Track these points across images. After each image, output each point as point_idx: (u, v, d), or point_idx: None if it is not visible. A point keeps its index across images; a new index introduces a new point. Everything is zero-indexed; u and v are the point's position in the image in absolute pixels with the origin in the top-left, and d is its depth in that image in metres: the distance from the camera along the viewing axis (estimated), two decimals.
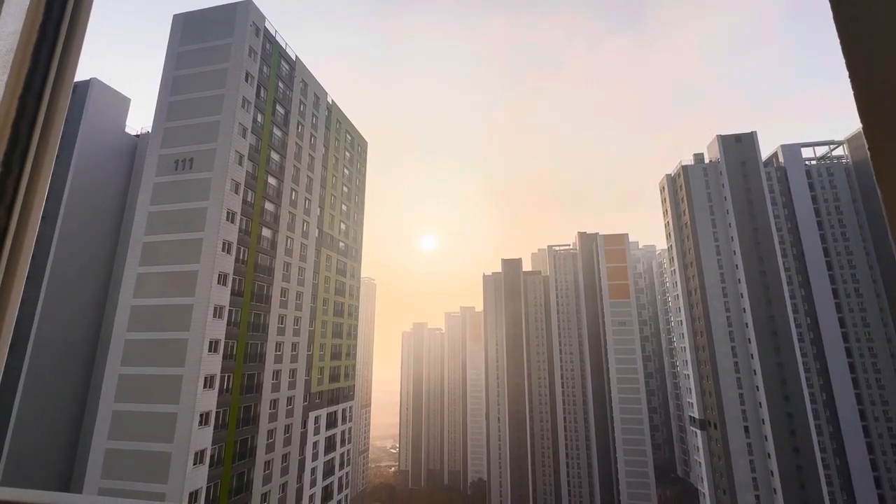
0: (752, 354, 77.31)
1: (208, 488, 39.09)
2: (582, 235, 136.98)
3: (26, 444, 47.52)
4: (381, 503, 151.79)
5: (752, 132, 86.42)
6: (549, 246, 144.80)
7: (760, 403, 74.93)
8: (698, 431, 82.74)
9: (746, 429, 75.58)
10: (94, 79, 58.14)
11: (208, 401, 39.50)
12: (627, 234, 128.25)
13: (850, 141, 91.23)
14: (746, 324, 78.70)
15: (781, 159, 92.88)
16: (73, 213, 53.91)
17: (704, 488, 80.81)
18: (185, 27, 48.97)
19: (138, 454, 37.49)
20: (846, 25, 0.98)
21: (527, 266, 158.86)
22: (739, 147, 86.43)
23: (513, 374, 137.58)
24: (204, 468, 38.55)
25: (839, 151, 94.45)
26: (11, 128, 1.04)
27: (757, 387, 75.83)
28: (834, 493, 75.55)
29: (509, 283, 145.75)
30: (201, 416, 38.69)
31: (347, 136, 73.85)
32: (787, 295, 78.27)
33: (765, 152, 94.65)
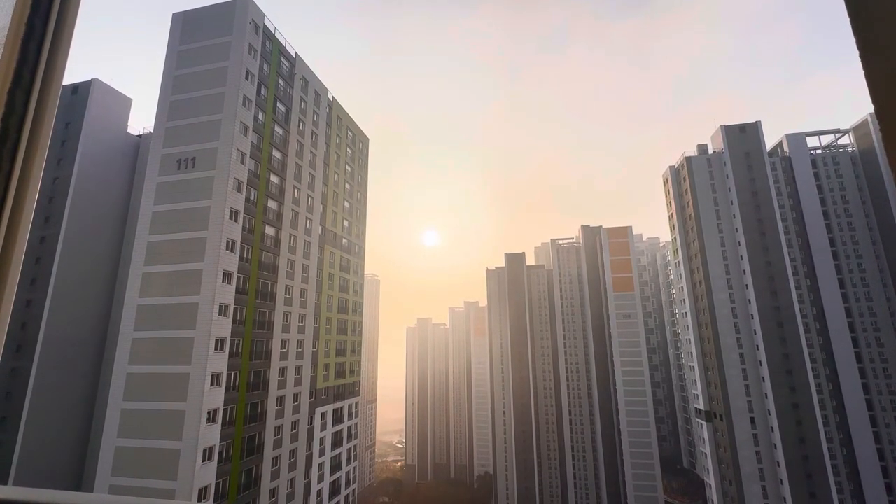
0: (757, 345, 77.05)
1: (217, 484, 39.52)
2: (585, 228, 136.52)
3: (38, 443, 48.15)
4: (389, 497, 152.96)
5: (756, 122, 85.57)
6: (552, 239, 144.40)
7: (766, 394, 74.77)
8: (704, 423, 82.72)
9: (752, 420, 75.50)
10: (96, 79, 58.29)
11: (215, 398, 39.82)
12: (631, 227, 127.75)
13: (856, 129, 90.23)
14: (752, 315, 78.39)
15: (786, 149, 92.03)
16: (78, 214, 54.22)
17: (710, 479, 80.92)
18: (185, 26, 48.87)
19: (148, 451, 37.90)
20: (858, 8, 0.96)
21: (530, 260, 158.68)
22: (743, 137, 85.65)
23: (517, 367, 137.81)
24: (212, 465, 38.94)
25: (844, 140, 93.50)
26: (1, 123, 1.04)
27: (762, 378, 75.65)
28: (841, 482, 75.50)
29: (513, 278, 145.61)
30: (209, 413, 39.03)
31: (349, 132, 73.71)
32: (792, 286, 77.83)
33: (769, 142, 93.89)
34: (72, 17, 1.19)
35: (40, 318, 49.83)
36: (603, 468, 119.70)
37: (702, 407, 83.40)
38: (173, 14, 49.92)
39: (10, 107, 1.05)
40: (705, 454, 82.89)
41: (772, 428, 73.53)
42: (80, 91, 57.51)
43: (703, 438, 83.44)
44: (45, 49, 1.12)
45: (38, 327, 49.62)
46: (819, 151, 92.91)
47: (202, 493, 37.74)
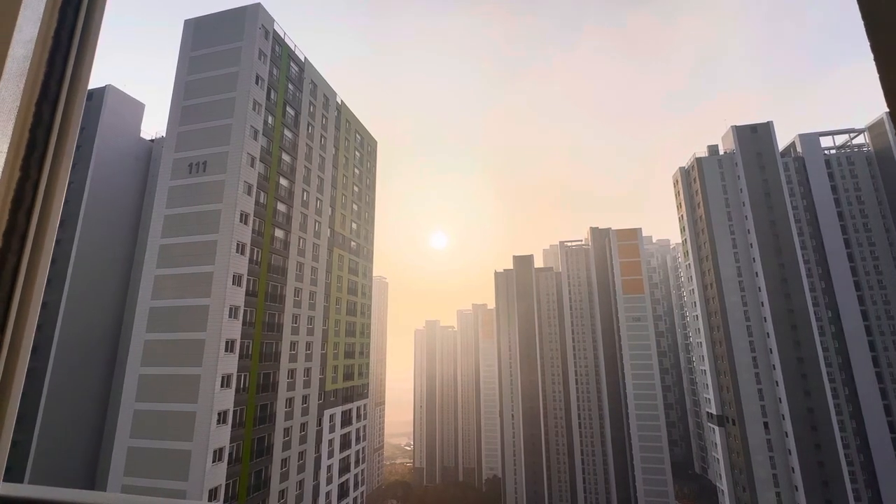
0: (770, 349, 75.79)
1: (227, 485, 39.81)
2: (594, 231, 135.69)
3: (53, 442, 48.95)
4: (397, 500, 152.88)
5: (768, 122, 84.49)
6: (560, 242, 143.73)
7: (780, 399, 73.46)
8: (716, 427, 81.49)
9: (766, 424, 74.19)
10: (110, 86, 59.35)
11: (226, 400, 40.17)
12: (640, 229, 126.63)
13: (872, 129, 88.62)
14: (765, 318, 77.15)
15: (799, 149, 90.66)
16: (93, 218, 55.20)
17: (723, 485, 79.63)
18: (196, 32, 49.62)
19: (159, 452, 38.33)
20: (871, 11, 0.95)
21: (538, 263, 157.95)
22: (755, 138, 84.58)
23: (526, 370, 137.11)
24: (223, 466, 39.25)
25: (859, 140, 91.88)
26: (29, 133, 1.08)
27: (776, 382, 74.34)
28: (858, 489, 73.78)
29: (521, 280, 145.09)
30: (219, 414, 39.37)
31: (357, 135, 74.16)
32: (806, 288, 76.47)
33: (782, 142, 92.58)
34: (95, 31, 1.22)
35: (55, 320, 50.75)
36: (613, 472, 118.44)
37: (714, 411, 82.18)
38: (185, 20, 50.72)
39: (38, 118, 1.09)
40: (718, 459, 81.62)
41: (786, 433, 72.18)
42: (95, 97, 58.60)
43: (716, 443, 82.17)
44: (70, 62, 1.15)
45: (54, 328, 50.52)
46: (833, 151, 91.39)
47: (213, 494, 38.05)
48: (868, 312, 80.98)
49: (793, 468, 70.82)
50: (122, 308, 58.39)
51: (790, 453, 71.29)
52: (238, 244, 43.20)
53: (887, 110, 0.89)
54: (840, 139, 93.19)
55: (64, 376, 50.67)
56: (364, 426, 68.92)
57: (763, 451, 73.47)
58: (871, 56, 0.96)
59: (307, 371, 53.90)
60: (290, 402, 50.02)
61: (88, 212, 54.90)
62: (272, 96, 50.78)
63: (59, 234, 53.56)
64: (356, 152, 73.25)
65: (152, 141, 65.55)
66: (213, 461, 38.33)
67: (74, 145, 1.19)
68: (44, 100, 1.10)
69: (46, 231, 1.11)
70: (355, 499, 64.12)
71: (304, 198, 56.22)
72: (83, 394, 53.03)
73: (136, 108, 63.47)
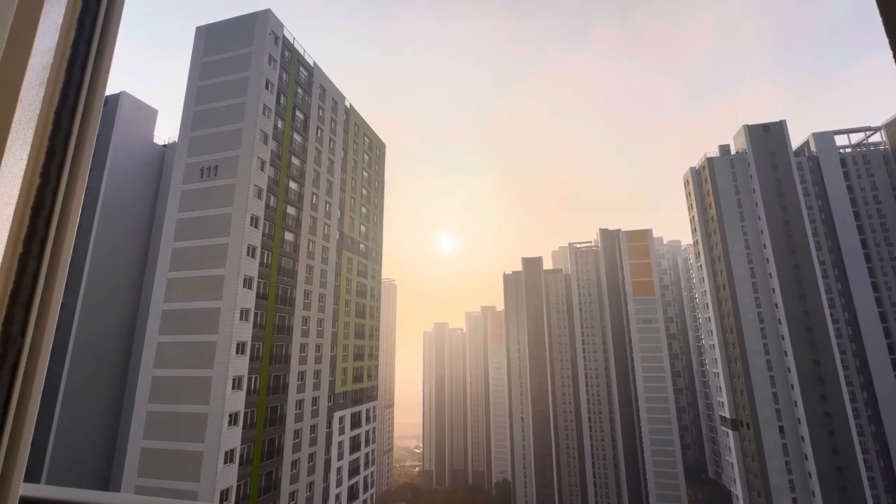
0: (785, 351, 74.42)
1: (238, 487, 40.11)
2: (603, 232, 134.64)
3: (69, 444, 49.78)
4: (406, 503, 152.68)
5: (780, 121, 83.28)
6: (570, 243, 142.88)
7: (796, 402, 72.06)
8: (730, 431, 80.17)
9: (781, 429, 72.81)
10: (124, 92, 60.45)
11: (237, 401, 40.52)
12: (650, 230, 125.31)
13: (888, 126, 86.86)
14: (779, 320, 75.82)
15: (813, 148, 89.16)
16: (107, 222, 56.20)
17: (738, 490, 78.26)
18: (208, 38, 50.37)
19: (172, 453, 38.76)
20: (891, 11, 0.93)
21: (547, 264, 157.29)
22: (768, 137, 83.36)
23: (535, 373, 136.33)
24: (234, 467, 39.56)
25: (876, 138, 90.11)
26: (49, 141, 1.10)
27: (792, 385, 72.96)
28: (878, 495, 72.01)
29: (530, 282, 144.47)
30: (230, 416, 39.72)
31: (365, 138, 74.58)
32: (822, 289, 75.01)
33: (795, 141, 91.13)
34: (112, 40, 1.25)
35: (71, 322, 51.71)
36: (624, 477, 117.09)
37: (727, 415, 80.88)
38: (197, 27, 51.53)
39: (57, 125, 1.11)
40: (732, 464, 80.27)
41: (802, 437, 70.76)
42: (109, 103, 59.71)
43: (730, 447, 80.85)
44: (87, 71, 1.18)
45: (70, 330, 51.48)
46: (848, 150, 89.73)
47: (224, 495, 38.35)
48: (886, 314, 79.18)
49: (809, 473, 69.37)
50: (135, 310, 59.29)
51: (807, 458, 69.86)
52: (249, 247, 43.64)
53: None
54: (856, 137, 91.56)
55: (79, 377, 51.56)
56: (373, 428, 69.03)
57: (779, 456, 72.10)
58: (888, 54, 0.95)
59: (317, 373, 54.17)
60: (300, 403, 50.30)
61: (103, 216, 55.92)
62: (282, 101, 51.32)
63: (75, 238, 54.46)
64: (364, 155, 73.66)
65: (165, 146, 66.60)
66: (225, 462, 38.65)
67: (92, 152, 1.21)
68: (62, 108, 1.12)
69: (65, 236, 1.13)
70: (365, 501, 64.19)
71: (314, 201, 56.65)
72: (98, 395, 53.90)
73: (150, 114, 64.56)
